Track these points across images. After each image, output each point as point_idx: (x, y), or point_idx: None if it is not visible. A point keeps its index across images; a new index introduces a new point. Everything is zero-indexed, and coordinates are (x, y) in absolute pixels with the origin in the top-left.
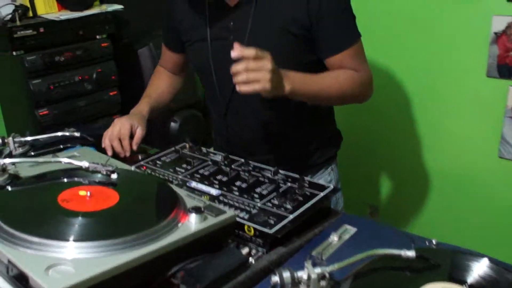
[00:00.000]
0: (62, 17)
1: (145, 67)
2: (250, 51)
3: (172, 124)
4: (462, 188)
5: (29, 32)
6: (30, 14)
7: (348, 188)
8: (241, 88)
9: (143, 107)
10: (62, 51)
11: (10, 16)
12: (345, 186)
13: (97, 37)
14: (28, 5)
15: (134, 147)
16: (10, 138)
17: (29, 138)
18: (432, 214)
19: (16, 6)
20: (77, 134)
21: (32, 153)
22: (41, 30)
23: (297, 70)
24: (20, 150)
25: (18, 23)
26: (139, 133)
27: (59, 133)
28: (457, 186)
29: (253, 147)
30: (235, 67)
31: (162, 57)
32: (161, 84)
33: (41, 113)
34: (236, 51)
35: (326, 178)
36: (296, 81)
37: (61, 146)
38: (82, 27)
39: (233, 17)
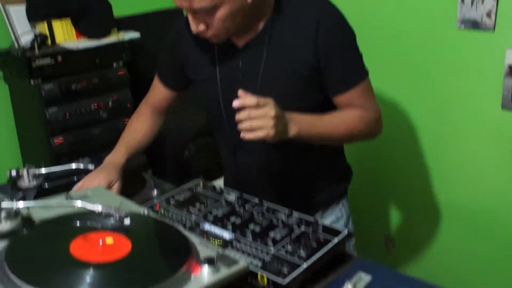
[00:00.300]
0: (80, 46)
1: None
2: (251, 100)
3: (186, 152)
4: (478, 222)
5: (47, 61)
6: (49, 42)
7: (361, 219)
8: (245, 136)
9: (120, 157)
10: (79, 79)
11: (29, 44)
12: (358, 217)
13: (114, 65)
14: (47, 33)
15: None
16: (25, 170)
17: (43, 170)
18: (448, 247)
19: (35, 34)
20: (91, 166)
21: (46, 185)
22: (59, 59)
23: (307, 109)
24: (34, 183)
25: (37, 51)
26: (116, 188)
27: (73, 165)
28: (472, 220)
29: (263, 184)
30: (238, 116)
31: (151, 92)
32: (140, 129)
33: (56, 141)
34: (237, 101)
35: (337, 214)
36: (303, 125)
37: (75, 178)
38: (99, 55)
39: (242, 58)
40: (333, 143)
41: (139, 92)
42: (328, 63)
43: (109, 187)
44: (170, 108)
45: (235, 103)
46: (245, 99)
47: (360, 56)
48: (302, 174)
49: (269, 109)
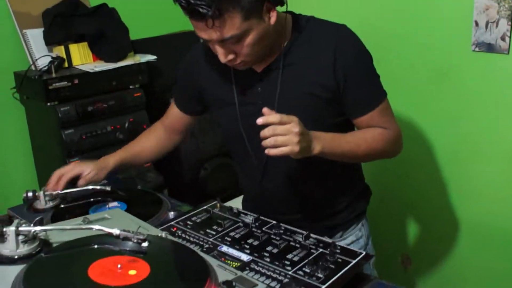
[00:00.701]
0: (97, 69)
1: None
2: (275, 117)
3: (203, 172)
4: (496, 239)
5: (64, 83)
6: (66, 64)
7: (377, 237)
8: (270, 152)
9: (112, 160)
10: (95, 101)
11: (46, 67)
12: (374, 235)
13: (130, 87)
14: (64, 56)
15: (80, 183)
16: (41, 192)
17: (60, 192)
18: (465, 265)
19: (52, 57)
20: (108, 188)
21: (62, 206)
22: (76, 81)
23: (326, 131)
24: (50, 204)
25: (53, 74)
26: (88, 176)
27: (90, 186)
28: (490, 238)
29: (287, 206)
30: (263, 132)
31: (167, 113)
32: (146, 143)
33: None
34: (261, 118)
35: (357, 233)
36: (326, 142)
37: (92, 200)
38: (116, 78)
39: (261, 83)
40: (355, 161)
41: (155, 113)
42: (348, 87)
43: (79, 176)
44: (185, 129)
45: (259, 120)
46: (269, 116)
47: (378, 78)
48: (324, 195)
49: (294, 126)
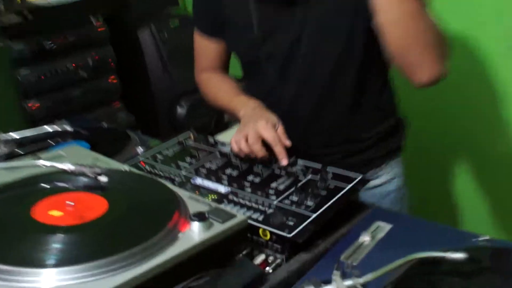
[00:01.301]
0: (53, 2)
1: (146, 49)
2: None
3: (179, 109)
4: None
5: (14, 18)
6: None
7: None
8: None
9: (252, 99)
10: (53, 38)
11: None
12: None
13: (92, 20)
14: None
15: (288, 143)
16: None
17: (14, 135)
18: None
19: None
20: (69, 128)
21: (20, 152)
22: (29, 16)
23: (362, 35)
24: (5, 150)
25: (2, 8)
26: (281, 129)
27: (49, 128)
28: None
29: (312, 139)
30: None
31: (200, 58)
32: (227, 80)
33: (31, 106)
34: None
35: (391, 172)
36: None
37: (52, 142)
38: (74, 10)
39: None
40: (411, 33)
41: (123, 49)
42: None
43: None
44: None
45: None
46: None
47: None
48: (354, 127)
49: None
